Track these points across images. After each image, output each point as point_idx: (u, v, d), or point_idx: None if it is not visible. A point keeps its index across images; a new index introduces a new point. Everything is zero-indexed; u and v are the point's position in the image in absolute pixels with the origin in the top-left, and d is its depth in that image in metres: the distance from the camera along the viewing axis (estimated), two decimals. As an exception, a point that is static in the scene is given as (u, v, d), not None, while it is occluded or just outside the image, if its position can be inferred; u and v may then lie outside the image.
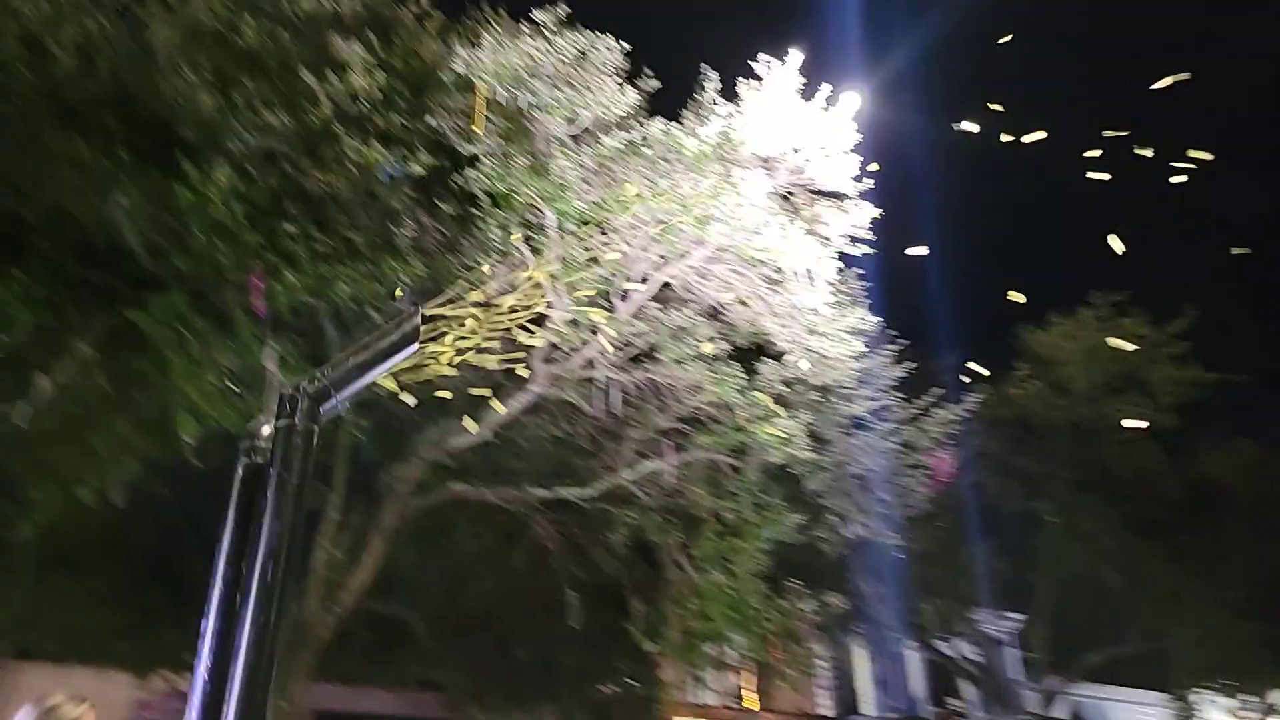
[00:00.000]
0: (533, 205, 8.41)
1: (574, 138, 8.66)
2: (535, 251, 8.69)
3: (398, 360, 3.60)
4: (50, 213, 8.40)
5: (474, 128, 8.26)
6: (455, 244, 8.95)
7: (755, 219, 8.42)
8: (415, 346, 3.69)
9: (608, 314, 9.31)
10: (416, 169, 8.47)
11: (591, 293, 9.17)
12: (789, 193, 9.04)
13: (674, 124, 8.44)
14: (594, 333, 9.54)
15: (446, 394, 9.59)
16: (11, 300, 8.06)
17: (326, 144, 8.13)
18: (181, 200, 7.58)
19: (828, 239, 9.08)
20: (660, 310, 9.86)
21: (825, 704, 20.12)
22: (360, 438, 10.87)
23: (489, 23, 8.52)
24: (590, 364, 10.22)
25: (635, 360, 10.45)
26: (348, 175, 8.14)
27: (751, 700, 18.19)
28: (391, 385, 9.43)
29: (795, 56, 8.19)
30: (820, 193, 9.04)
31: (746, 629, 12.38)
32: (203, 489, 12.20)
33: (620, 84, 8.38)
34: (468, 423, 9.89)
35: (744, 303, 10.05)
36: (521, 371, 9.93)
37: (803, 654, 14.82)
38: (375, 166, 8.33)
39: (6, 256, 8.33)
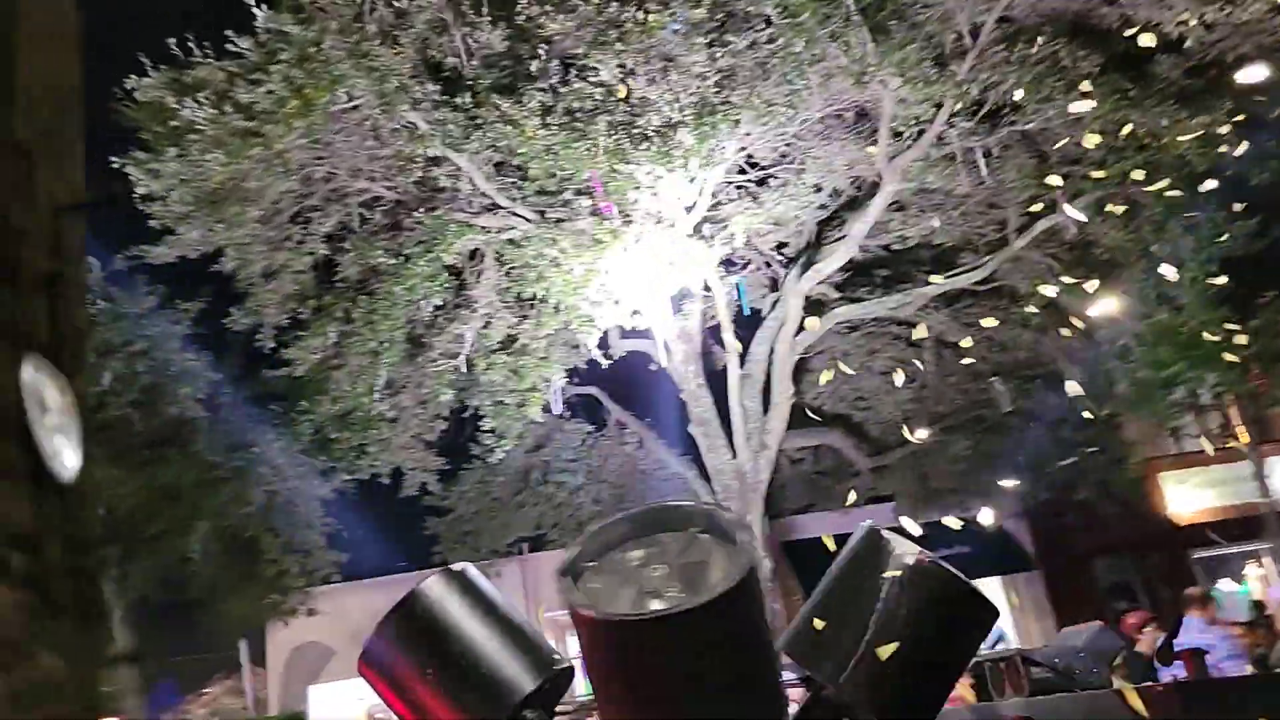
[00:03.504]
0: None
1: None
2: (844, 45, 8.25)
3: None
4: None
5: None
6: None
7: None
8: None
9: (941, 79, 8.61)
10: (698, 12, 8.39)
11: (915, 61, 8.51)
12: None
13: None
14: (937, 108, 8.90)
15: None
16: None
17: (599, 36, 8.34)
18: (514, 145, 8.38)
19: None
20: (1006, 52, 8.84)
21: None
22: (734, 295, 11.48)
23: None
24: (940, 140, 9.59)
25: (994, 117, 9.58)
26: (642, 51, 8.33)
27: (1245, 435, 16.46)
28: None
29: None
30: None
31: (1210, 362, 11.20)
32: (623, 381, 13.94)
33: None
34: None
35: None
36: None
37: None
38: (659, 28, 8.41)
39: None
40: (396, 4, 8.00)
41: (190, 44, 8.26)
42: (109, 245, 9.80)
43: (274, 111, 7.72)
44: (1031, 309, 11.82)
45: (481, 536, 15.43)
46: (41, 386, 0.47)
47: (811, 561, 16.37)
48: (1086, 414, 12.69)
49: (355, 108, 8.33)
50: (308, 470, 11.12)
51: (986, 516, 6.37)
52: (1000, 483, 14.93)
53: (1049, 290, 8.55)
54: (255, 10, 7.76)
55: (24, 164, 0.46)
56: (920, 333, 8.78)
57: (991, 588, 18.65)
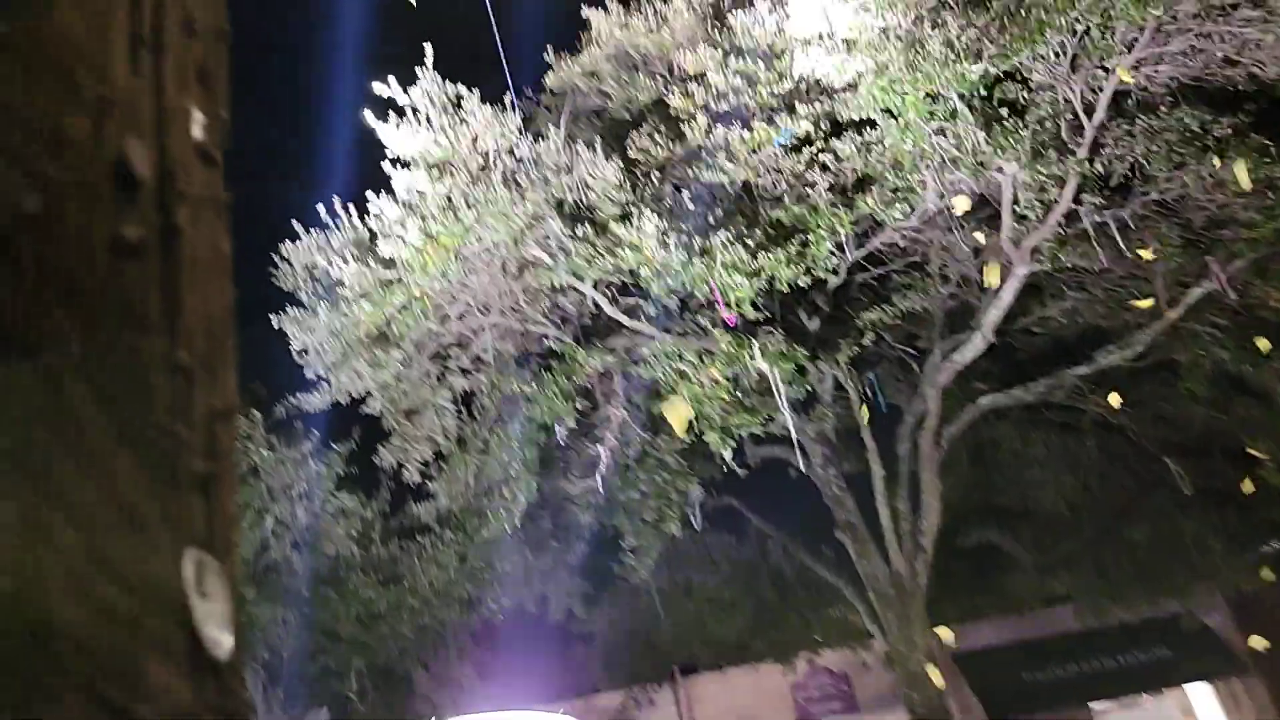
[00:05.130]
0: (934, 94, 8.31)
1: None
2: (955, 138, 8.56)
3: None
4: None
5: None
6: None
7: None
8: None
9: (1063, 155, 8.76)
10: (803, 125, 8.93)
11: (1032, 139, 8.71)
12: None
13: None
14: (1060, 185, 9.01)
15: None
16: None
17: (707, 158, 8.98)
18: (631, 261, 9.02)
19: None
20: (1128, 124, 8.94)
21: None
22: (868, 394, 11.58)
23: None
24: (1070, 218, 9.63)
25: (1125, 189, 9.59)
26: (731, 172, 8.89)
27: None
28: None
29: None
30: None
31: None
32: (762, 490, 14.07)
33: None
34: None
35: (1231, 60, 8.67)
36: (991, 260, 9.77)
37: None
38: (767, 143, 8.98)
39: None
40: (517, 154, 8.89)
41: (335, 209, 9.40)
42: (271, 396, 10.93)
43: (412, 261, 8.63)
44: (1197, 380, 11.39)
45: (630, 661, 15.56)
46: (201, 576, 0.54)
47: (989, 673, 15.66)
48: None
49: (485, 249, 9.18)
50: (456, 601, 11.72)
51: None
52: (1193, 572, 14.03)
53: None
54: (391, 173, 8.81)
55: (186, 385, 0.57)
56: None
57: (1201, 695, 17.18)
